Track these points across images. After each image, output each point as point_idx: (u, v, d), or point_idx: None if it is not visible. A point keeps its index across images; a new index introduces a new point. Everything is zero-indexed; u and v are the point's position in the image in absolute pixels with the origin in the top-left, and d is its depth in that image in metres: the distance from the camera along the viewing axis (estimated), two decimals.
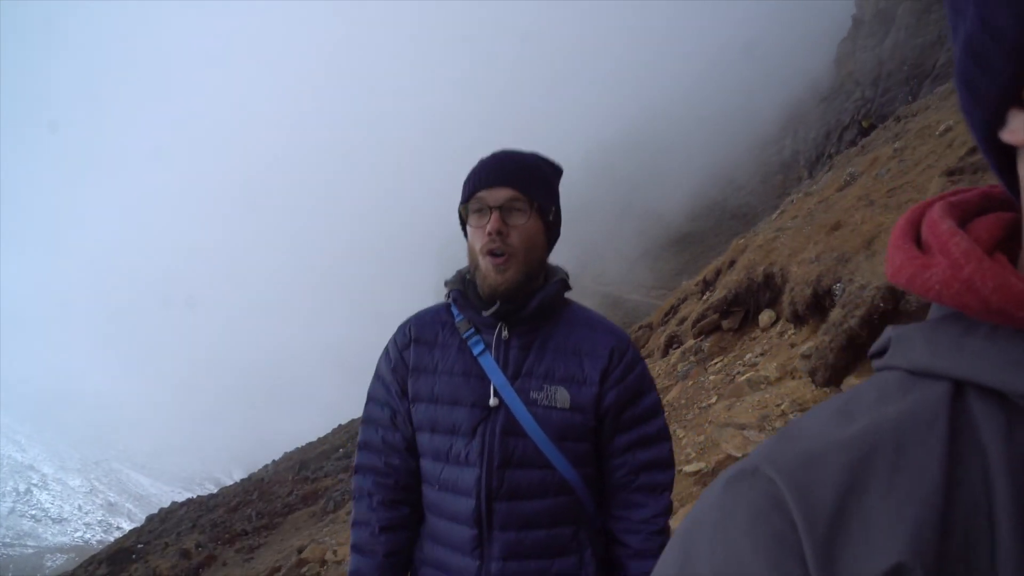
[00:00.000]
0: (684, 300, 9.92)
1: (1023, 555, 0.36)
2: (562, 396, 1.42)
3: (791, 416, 5.56)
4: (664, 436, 1.53)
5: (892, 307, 4.70)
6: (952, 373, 0.42)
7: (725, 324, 7.66)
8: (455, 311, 1.50)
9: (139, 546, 25.53)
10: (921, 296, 0.45)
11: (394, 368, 1.52)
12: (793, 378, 5.47)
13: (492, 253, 1.39)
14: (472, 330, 1.46)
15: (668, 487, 1.52)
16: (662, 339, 9.68)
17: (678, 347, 8.79)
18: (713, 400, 6.19)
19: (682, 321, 9.06)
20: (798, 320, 6.13)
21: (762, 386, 5.70)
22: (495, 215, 1.38)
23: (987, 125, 0.43)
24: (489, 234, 1.38)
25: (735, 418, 5.28)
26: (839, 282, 5.42)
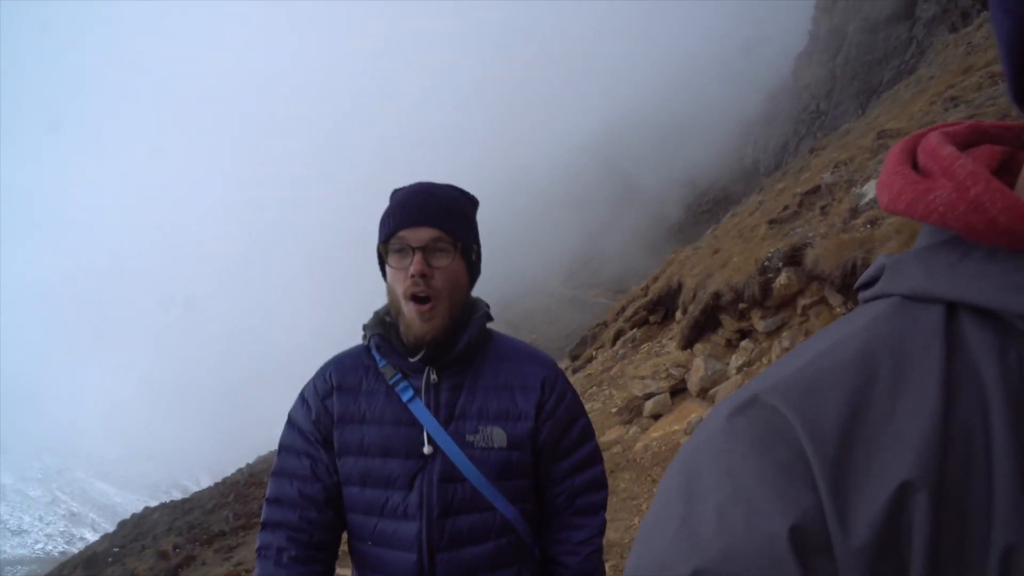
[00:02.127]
0: (632, 301, 12.25)
1: (1017, 468, 0.37)
2: (499, 435, 1.39)
3: (672, 370, 8.37)
4: (596, 458, 1.53)
5: (715, 304, 7.79)
6: (949, 295, 0.43)
7: (651, 319, 10.61)
8: (377, 356, 1.44)
9: (115, 550, 25.64)
10: (921, 220, 0.45)
11: (315, 419, 1.43)
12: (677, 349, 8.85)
13: (416, 298, 1.34)
14: (399, 375, 1.40)
15: (603, 506, 1.53)
16: (612, 332, 12.26)
17: (621, 338, 11.49)
18: (634, 368, 9.28)
19: (628, 319, 11.76)
20: (686, 314, 8.91)
21: (661, 354, 9.26)
22: (418, 256, 1.33)
23: (1018, 40, 0.42)
24: (412, 276, 1.32)
25: (639, 373, 8.83)
26: (703, 290, 8.26)
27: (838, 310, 5.72)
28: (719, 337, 7.71)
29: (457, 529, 1.37)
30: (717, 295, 7.59)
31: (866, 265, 5.44)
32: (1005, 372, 0.39)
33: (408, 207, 1.37)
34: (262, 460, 33.64)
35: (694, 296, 8.43)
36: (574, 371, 12.88)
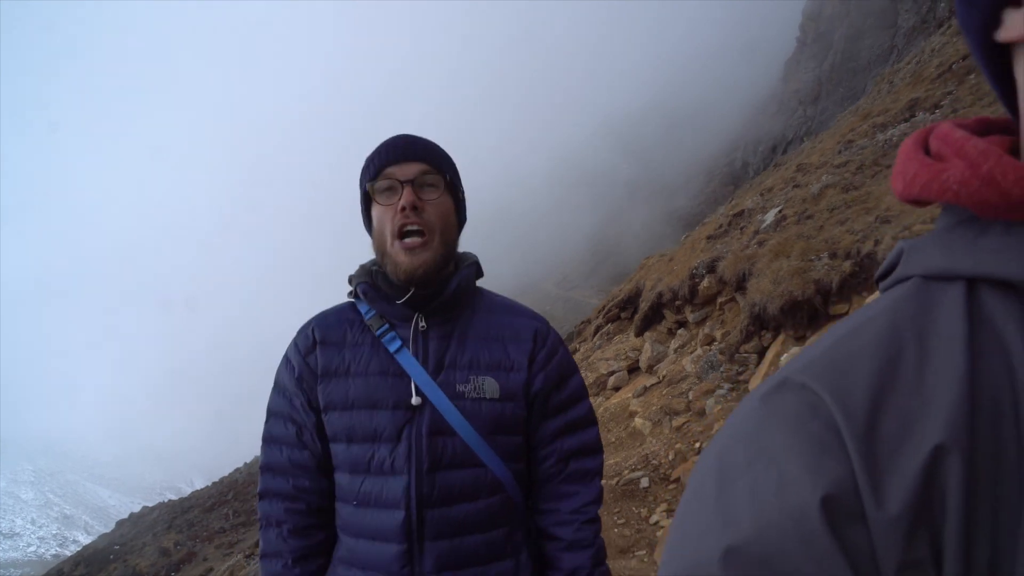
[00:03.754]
0: (611, 301, 13.98)
1: None
2: (491, 386, 1.34)
3: (629, 352, 10.36)
4: (591, 420, 1.47)
5: (659, 301, 9.80)
6: (968, 271, 0.44)
7: (623, 315, 12.40)
8: (363, 308, 1.39)
9: (115, 547, 25.96)
10: (937, 199, 0.46)
11: (299, 377, 1.37)
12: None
13: (406, 232, 1.30)
14: (386, 326, 1.35)
15: (598, 473, 1.45)
16: (592, 328, 14.01)
17: (600, 331, 13.43)
18: (602, 353, 11.40)
19: (605, 316, 13.56)
20: (638, 310, 11.16)
21: (624, 343, 11.10)
22: (408, 189, 1.29)
23: (984, 29, 0.45)
24: (403, 209, 1.28)
25: (605, 356, 10.90)
26: (653, 291, 10.30)
27: (741, 302, 7.49)
28: (662, 327, 9.98)
29: (447, 485, 1.30)
30: (660, 295, 9.77)
31: (749, 275, 7.28)
32: None
33: (394, 145, 1.35)
34: (258, 460, 33.91)
35: (650, 297, 10.55)
36: None
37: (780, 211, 8.98)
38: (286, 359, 1.42)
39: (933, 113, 9.72)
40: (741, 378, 6.63)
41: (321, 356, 1.36)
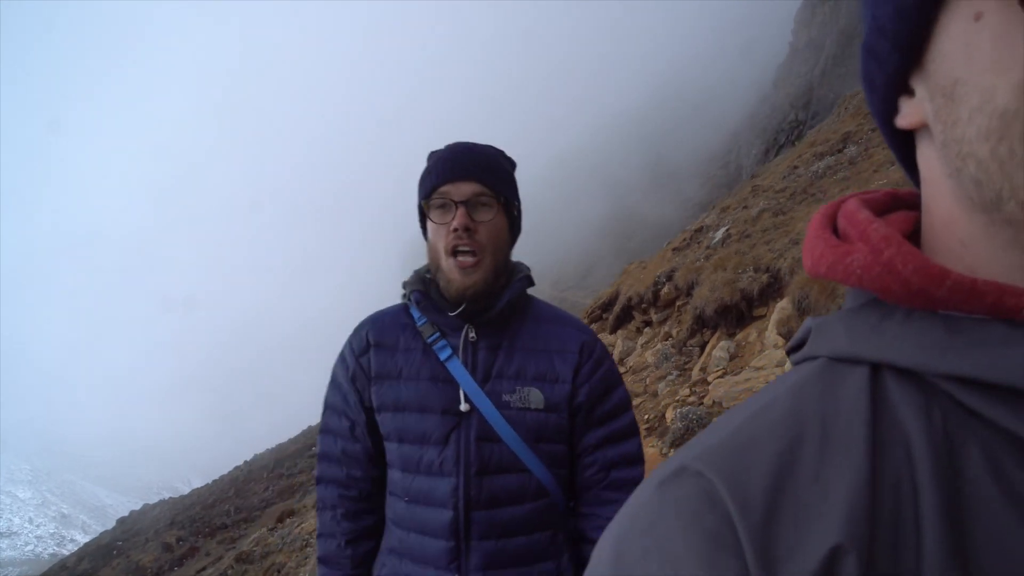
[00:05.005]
0: (597, 303, 14.96)
1: (945, 529, 0.37)
2: (535, 397, 1.37)
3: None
4: (633, 431, 1.49)
5: (629, 304, 11.10)
6: (871, 356, 0.43)
7: (605, 316, 13.31)
8: (415, 313, 1.43)
9: (118, 543, 26.34)
10: (841, 283, 0.46)
11: (352, 376, 1.43)
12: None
13: (459, 252, 1.32)
14: (437, 334, 1.40)
15: (638, 483, 1.27)
16: None
17: None
18: None
19: (590, 317, 14.64)
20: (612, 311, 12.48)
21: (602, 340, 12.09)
22: (461, 210, 1.31)
23: (884, 115, 0.47)
24: (455, 231, 1.31)
25: None
26: (625, 295, 11.60)
27: (688, 305, 8.95)
28: (632, 326, 11.35)
29: (493, 488, 1.35)
30: (630, 298, 11.41)
31: (696, 284, 8.81)
32: (930, 430, 0.40)
33: (450, 163, 1.35)
34: (259, 458, 34.36)
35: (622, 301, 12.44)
36: None
37: (727, 230, 10.70)
38: (341, 357, 1.48)
39: (859, 145, 11.13)
40: (687, 366, 7.97)
41: (375, 359, 1.42)
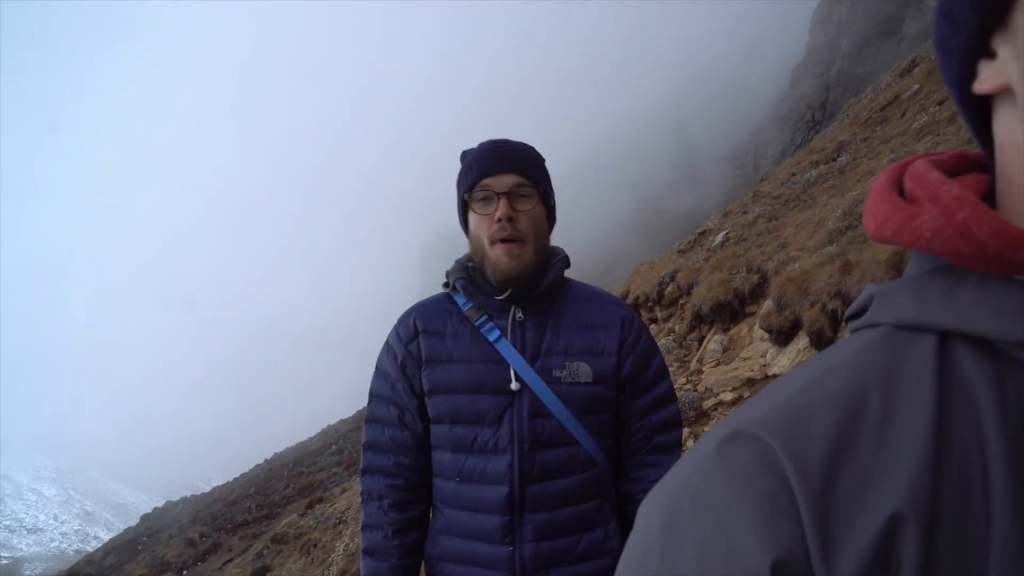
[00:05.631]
0: None
1: (1017, 503, 0.35)
2: (584, 370, 1.42)
3: None
4: (672, 396, 1.55)
5: (635, 302, 11.58)
6: (943, 324, 0.41)
7: None
8: (459, 300, 1.48)
9: (143, 538, 26.90)
10: (908, 246, 0.43)
11: (402, 363, 1.47)
12: None
13: (503, 240, 1.38)
14: (484, 317, 1.44)
15: (679, 445, 1.55)
16: None
17: None
18: None
19: None
20: None
21: None
22: (503, 201, 1.37)
23: (962, 81, 0.43)
24: (499, 220, 1.37)
25: None
26: (632, 293, 12.21)
27: (688, 303, 9.55)
28: None
29: (546, 462, 1.40)
30: (637, 297, 12.10)
31: (695, 283, 9.38)
32: (1003, 404, 0.38)
33: (490, 157, 1.42)
34: (279, 456, 34.78)
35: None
36: None
37: (726, 234, 11.35)
38: (388, 347, 1.52)
39: (849, 154, 11.53)
40: (687, 359, 8.68)
41: (424, 344, 1.46)
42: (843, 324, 6.04)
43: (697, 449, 0.44)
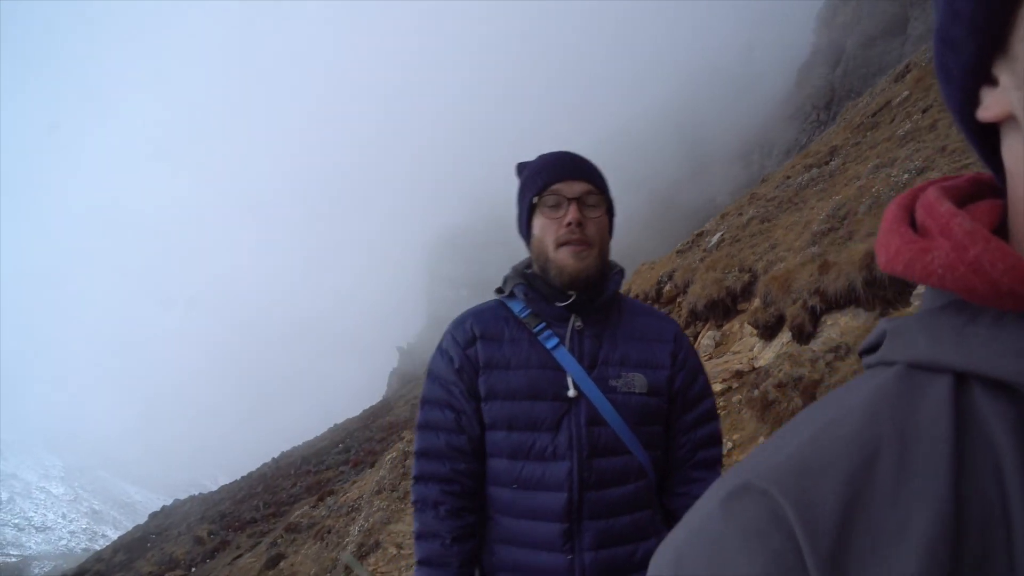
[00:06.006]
0: None
1: None
2: (640, 381, 1.43)
3: None
4: (716, 414, 1.56)
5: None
6: (957, 365, 0.39)
7: None
8: (515, 306, 1.48)
9: (152, 536, 27.11)
10: (920, 282, 0.41)
11: (459, 368, 1.46)
12: None
13: (571, 244, 1.39)
14: (543, 324, 1.44)
15: (720, 461, 1.55)
16: None
17: None
18: None
19: None
20: None
21: None
22: (574, 206, 1.39)
23: (964, 108, 0.42)
24: (568, 225, 1.38)
25: None
26: (633, 291, 12.03)
27: (686, 300, 9.91)
28: None
29: (603, 469, 1.40)
30: (638, 295, 12.40)
31: (691, 282, 9.67)
32: (1023, 447, 0.35)
33: (561, 163, 1.44)
34: (286, 455, 34.95)
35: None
36: None
37: (722, 235, 11.73)
38: (442, 351, 1.51)
39: (840, 158, 11.86)
40: None
41: (482, 349, 1.46)
42: (822, 323, 6.29)
43: (706, 500, 0.43)
